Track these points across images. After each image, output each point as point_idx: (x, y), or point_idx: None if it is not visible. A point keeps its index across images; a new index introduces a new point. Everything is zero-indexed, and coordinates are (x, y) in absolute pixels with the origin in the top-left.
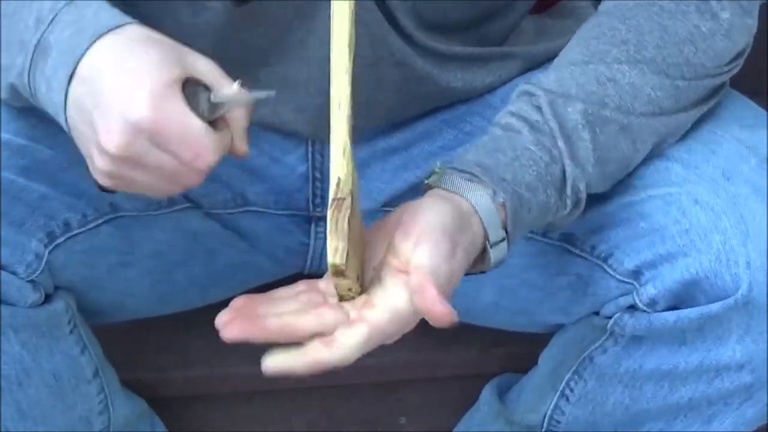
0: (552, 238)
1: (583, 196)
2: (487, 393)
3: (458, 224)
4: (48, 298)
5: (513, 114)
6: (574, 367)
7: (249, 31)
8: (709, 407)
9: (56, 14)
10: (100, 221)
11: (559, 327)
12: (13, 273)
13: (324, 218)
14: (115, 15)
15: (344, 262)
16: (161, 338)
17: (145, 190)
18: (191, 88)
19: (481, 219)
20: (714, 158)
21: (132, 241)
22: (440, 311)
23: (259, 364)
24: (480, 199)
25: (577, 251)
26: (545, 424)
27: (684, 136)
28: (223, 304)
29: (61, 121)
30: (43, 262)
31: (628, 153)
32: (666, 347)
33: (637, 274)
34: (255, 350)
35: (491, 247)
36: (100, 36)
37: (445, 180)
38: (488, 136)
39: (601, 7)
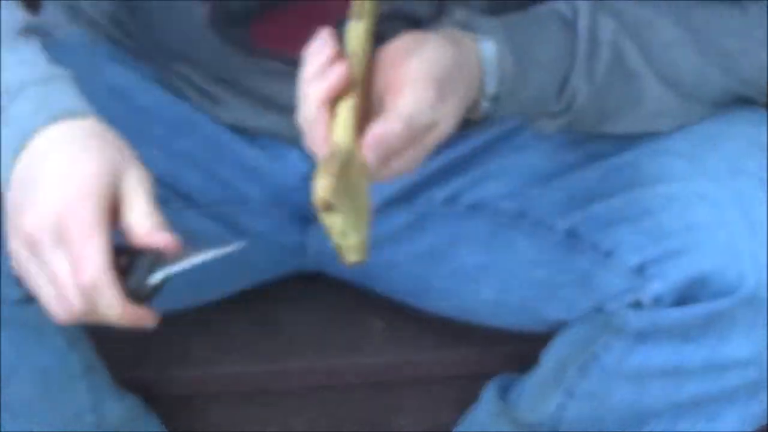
0: (556, 233)
1: (578, 103)
2: (489, 392)
3: (454, 68)
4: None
5: (548, 8)
6: (578, 364)
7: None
8: (715, 404)
9: (23, 90)
10: None
11: (563, 325)
12: None
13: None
14: (78, 102)
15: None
16: (161, 338)
17: (42, 295)
18: (134, 258)
19: (482, 69)
20: (719, 154)
21: None
22: (368, 156)
23: (258, 363)
24: (487, 51)
25: (580, 247)
26: (549, 422)
27: (689, 132)
28: (223, 304)
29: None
30: None
31: (628, 97)
32: (671, 344)
33: (641, 270)
34: (255, 350)
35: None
36: (56, 120)
37: (456, 24)
38: (521, 14)
39: None
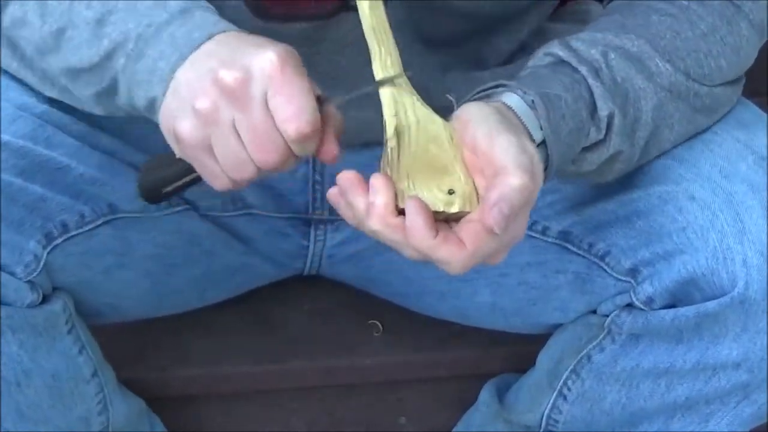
0: (550, 236)
1: (616, 124)
2: (486, 393)
3: (499, 116)
4: (45, 299)
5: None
6: (571, 366)
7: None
8: (707, 406)
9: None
10: (99, 222)
11: (557, 327)
12: (11, 273)
13: (322, 221)
14: None
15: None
16: (161, 338)
17: (223, 157)
18: None
19: (518, 115)
20: (711, 156)
21: (130, 243)
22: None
23: (259, 364)
24: (510, 98)
25: (574, 249)
26: (543, 424)
27: None
28: (223, 304)
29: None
30: (41, 263)
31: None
32: (663, 345)
33: (634, 272)
34: (255, 350)
35: (537, 146)
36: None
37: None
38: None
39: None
